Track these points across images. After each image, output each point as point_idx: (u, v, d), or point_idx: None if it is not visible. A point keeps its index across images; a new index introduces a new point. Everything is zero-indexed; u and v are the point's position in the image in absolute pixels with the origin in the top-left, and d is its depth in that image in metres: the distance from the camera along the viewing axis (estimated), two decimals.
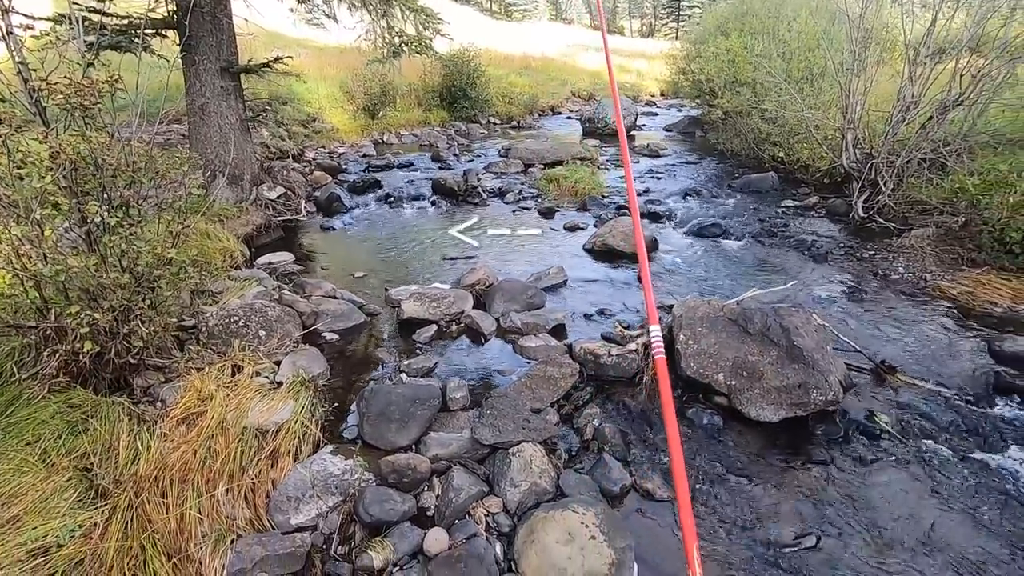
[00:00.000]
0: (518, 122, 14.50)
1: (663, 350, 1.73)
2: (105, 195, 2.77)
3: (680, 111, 15.84)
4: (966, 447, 3.00)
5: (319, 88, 11.50)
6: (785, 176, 8.32)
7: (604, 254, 5.62)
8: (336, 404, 3.23)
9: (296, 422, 2.90)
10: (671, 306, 4.04)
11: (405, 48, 6.91)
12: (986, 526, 2.55)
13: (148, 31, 5.79)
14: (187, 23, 5.43)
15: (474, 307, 4.33)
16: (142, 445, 2.59)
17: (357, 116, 11.55)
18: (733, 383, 3.25)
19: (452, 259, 5.53)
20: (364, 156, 9.94)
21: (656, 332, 1.75)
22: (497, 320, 4.19)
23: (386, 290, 4.65)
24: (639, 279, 5.09)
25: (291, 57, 6.48)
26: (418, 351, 3.84)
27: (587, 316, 4.39)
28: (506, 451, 2.77)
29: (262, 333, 3.63)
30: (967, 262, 4.95)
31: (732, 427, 3.17)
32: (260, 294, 4.18)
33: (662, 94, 20.71)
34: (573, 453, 2.97)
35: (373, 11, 6.84)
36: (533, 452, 2.75)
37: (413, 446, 2.87)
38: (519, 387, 3.31)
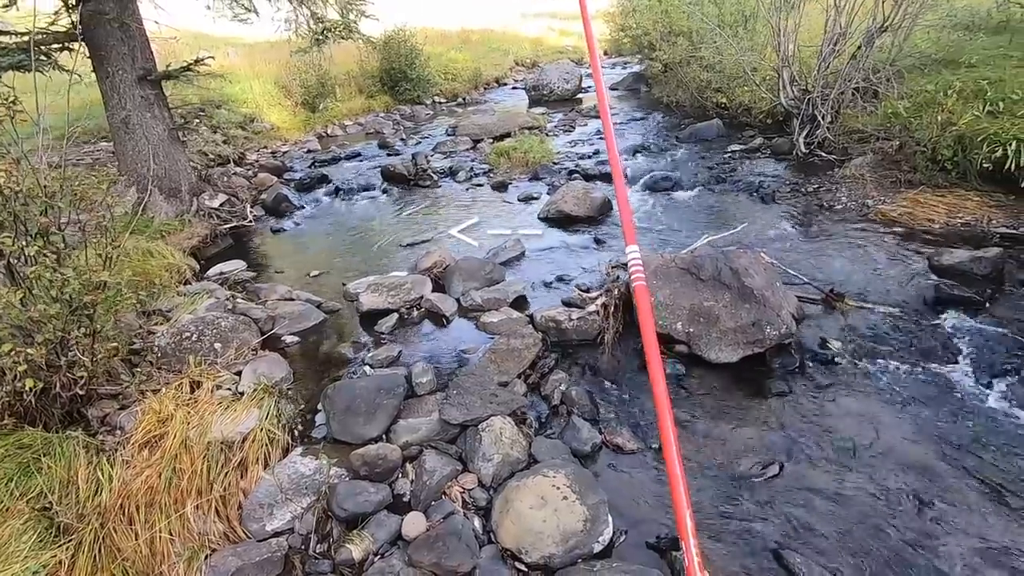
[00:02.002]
0: (463, 98, 14.22)
1: (643, 275, 1.47)
2: (21, 225, 2.63)
3: (624, 68, 15.76)
4: (913, 360, 3.15)
5: (253, 86, 11.03)
6: (729, 121, 8.41)
7: (558, 220, 5.62)
8: (303, 406, 3.19)
9: (262, 430, 2.84)
10: (626, 264, 4.08)
11: (330, 34, 6.66)
12: (936, 432, 2.69)
13: (53, 46, 5.44)
14: (92, 33, 5.11)
15: (433, 291, 4.30)
16: (103, 475, 2.52)
17: (297, 111, 11.14)
18: (691, 330, 3.32)
19: (408, 245, 5.47)
20: (309, 152, 9.63)
21: (634, 253, 1.51)
22: (458, 300, 4.17)
23: (343, 285, 4.58)
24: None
25: (212, 57, 6.18)
26: (381, 341, 3.81)
27: (547, 284, 4.41)
28: (476, 427, 2.79)
29: (218, 345, 3.54)
30: (904, 184, 5.12)
31: (694, 373, 3.25)
32: (212, 306, 4.06)
33: (605, 53, 20.49)
34: (543, 420, 3.01)
35: None
36: (503, 425, 2.78)
37: (383, 436, 2.87)
38: (484, 363, 3.33)
